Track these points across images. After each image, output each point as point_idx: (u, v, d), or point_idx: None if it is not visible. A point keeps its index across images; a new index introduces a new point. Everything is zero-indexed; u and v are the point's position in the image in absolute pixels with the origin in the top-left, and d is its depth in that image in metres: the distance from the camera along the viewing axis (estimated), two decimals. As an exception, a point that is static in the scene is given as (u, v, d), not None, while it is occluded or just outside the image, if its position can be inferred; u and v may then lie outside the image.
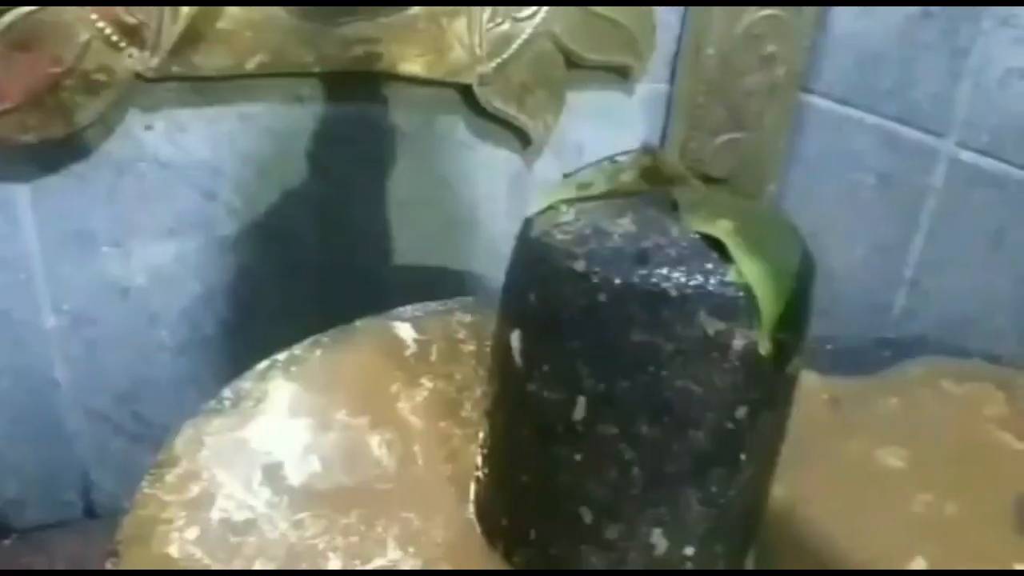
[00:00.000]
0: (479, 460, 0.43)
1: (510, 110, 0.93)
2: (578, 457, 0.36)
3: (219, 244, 0.89)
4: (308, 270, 0.94)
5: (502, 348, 0.39)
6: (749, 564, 0.41)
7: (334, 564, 0.41)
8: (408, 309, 0.64)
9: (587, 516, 0.36)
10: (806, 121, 1.03)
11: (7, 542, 0.91)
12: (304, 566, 0.41)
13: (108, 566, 0.40)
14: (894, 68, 0.90)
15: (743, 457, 0.36)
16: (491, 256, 1.02)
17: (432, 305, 0.65)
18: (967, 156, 0.84)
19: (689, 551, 0.37)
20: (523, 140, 0.97)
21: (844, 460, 0.47)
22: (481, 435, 0.43)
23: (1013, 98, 0.79)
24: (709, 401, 0.34)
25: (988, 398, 0.53)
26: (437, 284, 1.01)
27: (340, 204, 0.93)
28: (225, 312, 0.91)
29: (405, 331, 0.61)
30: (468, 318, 0.63)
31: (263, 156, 0.87)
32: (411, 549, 0.42)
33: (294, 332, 0.75)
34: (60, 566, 0.89)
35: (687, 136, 1.01)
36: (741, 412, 0.35)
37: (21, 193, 0.79)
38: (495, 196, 1.00)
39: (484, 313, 0.64)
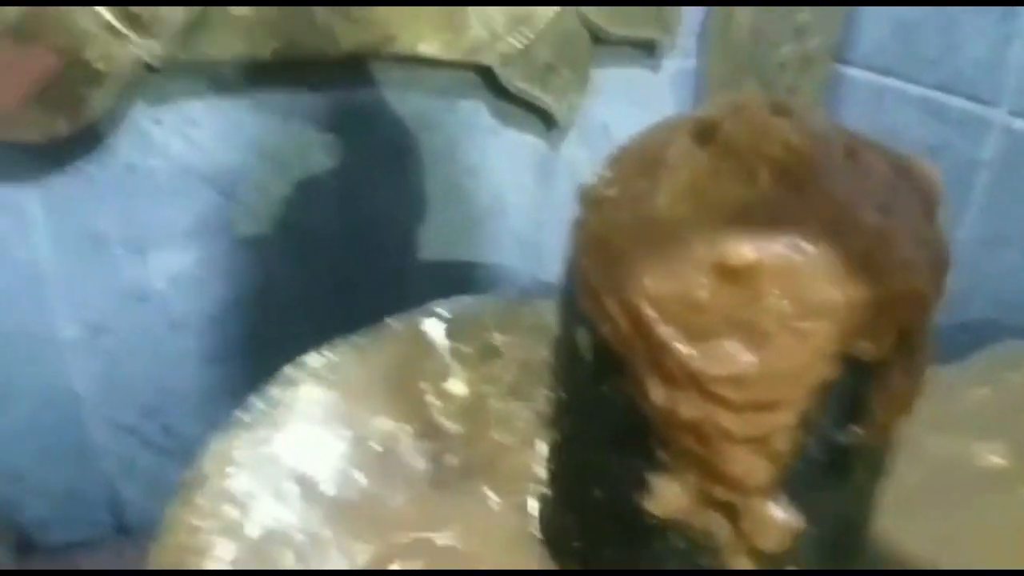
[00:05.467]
0: (543, 475, 0.39)
1: (534, 90, 0.89)
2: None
3: (239, 244, 0.85)
4: (331, 266, 0.90)
5: (567, 347, 0.35)
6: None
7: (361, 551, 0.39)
8: (439, 305, 0.60)
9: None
10: (843, 94, 0.98)
11: (35, 560, 0.89)
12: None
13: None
14: (936, 34, 0.85)
15: (854, 468, 0.32)
16: (519, 245, 0.98)
17: (464, 300, 0.61)
18: (1021, 125, 0.79)
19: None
20: (547, 122, 0.93)
21: (940, 459, 0.43)
22: (546, 447, 0.39)
23: (1072, 58, 0.74)
24: (819, 395, 0.30)
25: (1084, 385, 0.49)
26: (463, 277, 0.97)
27: (361, 196, 0.90)
28: (250, 315, 0.88)
29: (438, 329, 0.57)
30: (503, 313, 0.60)
31: (279, 149, 0.84)
32: (469, 560, 0.38)
33: (321, 331, 0.71)
34: (92, 584, 0.87)
35: (719, 112, 0.97)
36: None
37: (30, 195, 0.76)
38: (521, 182, 0.96)
39: (518, 307, 0.61)
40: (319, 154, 0.86)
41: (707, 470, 0.31)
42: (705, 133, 0.31)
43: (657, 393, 0.31)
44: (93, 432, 0.86)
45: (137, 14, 0.68)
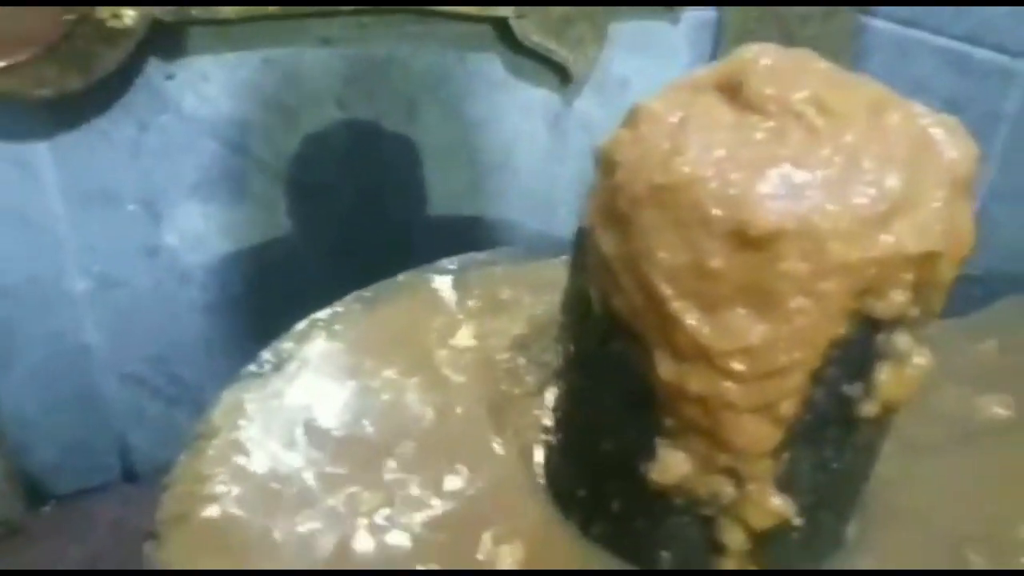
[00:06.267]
0: (549, 424, 0.39)
1: (549, 44, 0.87)
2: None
3: (248, 198, 0.85)
4: (339, 222, 0.90)
5: (578, 300, 0.34)
6: (851, 533, 0.37)
7: (381, 517, 0.39)
8: (450, 261, 0.60)
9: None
10: (866, 45, 0.96)
11: (46, 508, 0.90)
12: (351, 520, 0.38)
13: (146, 549, 0.37)
14: (962, -16, 0.83)
15: (862, 420, 0.32)
16: (530, 201, 0.97)
17: (474, 256, 0.61)
18: (1046, 77, 0.77)
19: (796, 521, 0.33)
20: (563, 77, 0.91)
21: (945, 410, 0.43)
22: (551, 397, 0.39)
23: (1103, 8, 0.72)
24: (830, 353, 0.29)
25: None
26: (473, 233, 0.97)
27: (370, 152, 0.89)
28: (257, 268, 0.88)
29: (447, 284, 0.57)
30: (512, 269, 0.59)
31: (289, 104, 0.83)
32: (474, 506, 0.39)
33: (327, 286, 0.70)
34: (101, 531, 0.88)
35: (736, 67, 0.95)
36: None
37: (41, 151, 0.76)
38: (534, 138, 0.95)
39: (527, 263, 0.60)
40: (330, 108, 0.85)
41: (712, 439, 0.31)
42: (730, 89, 0.30)
43: (666, 367, 0.31)
44: (102, 382, 0.87)
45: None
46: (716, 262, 0.28)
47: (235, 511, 0.39)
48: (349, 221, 0.91)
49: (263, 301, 0.89)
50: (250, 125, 0.82)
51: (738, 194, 0.28)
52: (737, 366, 0.29)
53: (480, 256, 0.61)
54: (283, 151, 0.85)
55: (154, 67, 0.77)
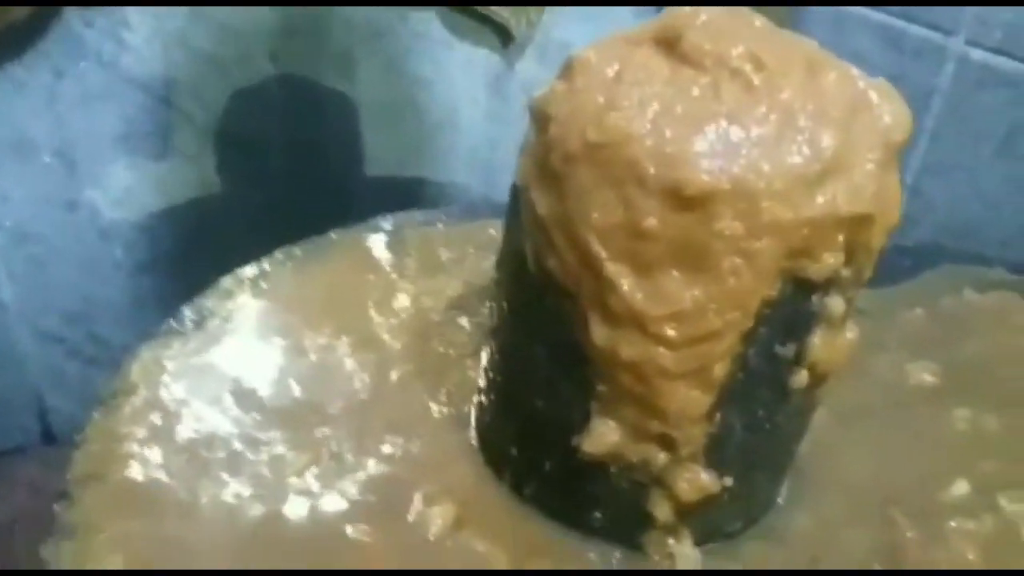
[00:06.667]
0: (481, 383, 0.39)
1: (490, 4, 0.85)
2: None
3: (175, 153, 0.81)
4: (274, 180, 0.87)
5: (512, 258, 0.34)
6: (782, 495, 0.37)
7: (311, 477, 0.38)
8: (385, 220, 0.58)
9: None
10: (803, 19, 0.96)
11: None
12: (279, 482, 0.38)
13: (57, 509, 0.35)
14: (897, -41, 0.84)
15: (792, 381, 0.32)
16: (471, 163, 0.96)
17: (412, 214, 0.60)
18: (977, 55, 0.79)
19: (728, 481, 0.33)
20: (504, 38, 0.90)
21: (875, 376, 0.44)
22: (484, 356, 0.38)
23: (1031, -10, 0.73)
24: (762, 314, 0.29)
25: (1015, 308, 0.50)
26: (413, 193, 0.95)
27: (307, 108, 0.86)
28: (186, 227, 0.85)
29: (382, 243, 0.56)
30: (450, 229, 0.58)
31: (220, 57, 0.80)
32: (406, 467, 0.38)
33: (261, 247, 0.68)
34: (20, 492, 0.85)
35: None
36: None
37: (-51, 96, 0.71)
38: (475, 99, 0.93)
39: (467, 224, 0.59)
40: (262, 62, 0.82)
41: (644, 405, 0.31)
42: (667, 43, 0.30)
43: (599, 332, 0.30)
44: (18, 339, 0.83)
45: None
46: (650, 222, 0.28)
47: (153, 472, 0.37)
48: (283, 179, 0.88)
49: (192, 260, 0.85)
50: (177, 77, 0.78)
51: (674, 152, 0.27)
52: (670, 332, 0.29)
53: (417, 215, 0.59)
54: (212, 105, 0.81)
55: (71, 13, 0.73)
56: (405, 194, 0.94)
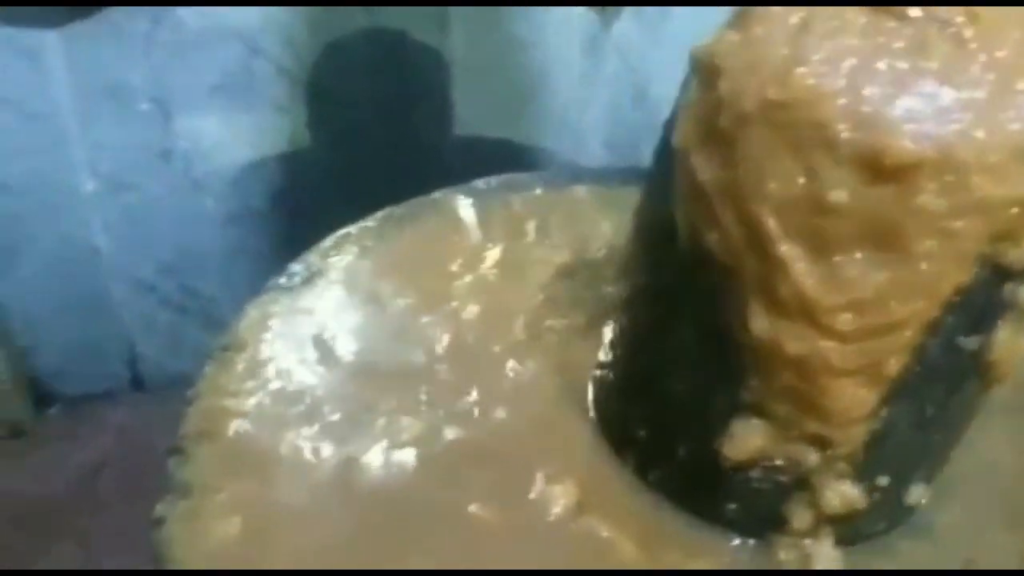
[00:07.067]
0: (603, 358, 0.36)
1: (594, -42, 0.81)
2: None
3: (267, 105, 0.80)
4: (363, 136, 0.86)
5: (659, 229, 0.31)
6: (924, 498, 0.35)
7: (425, 445, 0.36)
8: (486, 182, 0.56)
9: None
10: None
11: (52, 411, 0.89)
12: (392, 449, 0.36)
13: (171, 465, 0.35)
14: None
15: (971, 375, 0.29)
16: (560, 126, 0.93)
17: (514, 177, 0.57)
18: None
19: (883, 481, 0.30)
20: (603, -3, 0.86)
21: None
22: (611, 330, 0.36)
23: None
24: (950, 302, 0.26)
25: None
26: (500, 153, 0.92)
27: (398, 65, 0.84)
28: (274, 178, 0.84)
29: (487, 206, 0.53)
30: (556, 195, 0.56)
31: (314, 8, 0.78)
32: (523, 443, 0.36)
33: (349, 202, 0.66)
34: (107, 436, 0.87)
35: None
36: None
37: (50, 40, 0.71)
38: (568, 61, 0.90)
39: (573, 189, 0.57)
40: (357, 15, 0.80)
41: (802, 403, 0.28)
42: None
43: (760, 322, 0.27)
44: (111, 286, 0.84)
45: None
46: (838, 194, 0.25)
47: (264, 431, 0.36)
48: (372, 134, 0.86)
49: (278, 212, 0.85)
50: (270, 27, 0.77)
51: (872, 114, 0.24)
52: (843, 323, 0.26)
53: (520, 178, 0.57)
54: (305, 57, 0.80)
55: (172, -42, 0.72)
56: (492, 154, 0.92)
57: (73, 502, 0.82)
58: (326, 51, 0.81)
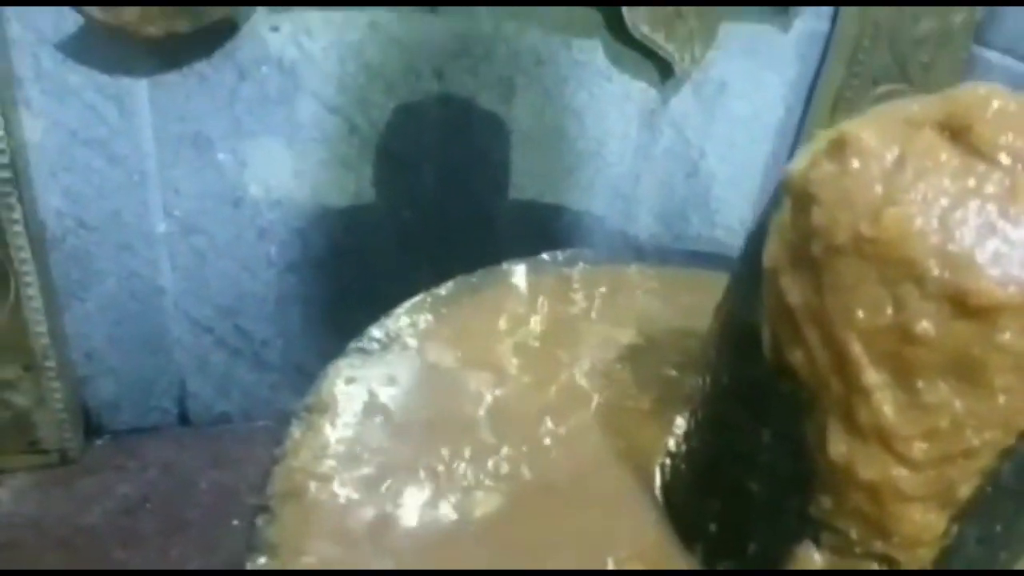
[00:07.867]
0: (674, 448, 0.38)
1: (657, 37, 0.85)
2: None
3: (336, 161, 0.84)
4: (424, 197, 0.89)
5: (742, 335, 0.33)
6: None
7: (499, 518, 0.38)
8: (556, 256, 0.59)
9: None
10: (978, 77, 0.92)
11: (100, 441, 0.91)
12: (467, 519, 0.38)
13: (259, 523, 0.36)
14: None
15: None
16: (614, 196, 0.95)
17: (581, 252, 0.60)
18: None
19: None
20: (664, 72, 0.89)
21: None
22: (685, 422, 0.37)
23: None
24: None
25: None
26: (552, 221, 0.95)
27: (463, 128, 0.87)
28: (336, 233, 0.87)
29: (554, 280, 0.56)
30: (624, 272, 0.58)
31: (389, 70, 0.82)
32: (592, 521, 0.38)
33: (404, 261, 0.69)
34: (152, 471, 0.89)
35: (843, 83, 0.92)
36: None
37: (139, 87, 0.75)
38: (625, 132, 0.92)
39: (644, 268, 0.59)
40: (428, 80, 0.83)
41: (873, 526, 0.29)
42: (953, 131, 0.28)
43: (837, 446, 0.29)
44: (171, 324, 0.87)
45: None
46: (924, 326, 0.26)
47: (348, 494, 0.38)
48: (434, 196, 0.89)
49: (338, 266, 0.88)
50: (348, 87, 0.81)
51: (961, 255, 0.26)
52: (917, 451, 0.27)
53: (584, 253, 0.59)
54: (376, 118, 0.83)
55: (261, 17, 0.76)
56: (546, 221, 0.94)
57: (113, 532, 0.83)
58: (396, 113, 0.84)
